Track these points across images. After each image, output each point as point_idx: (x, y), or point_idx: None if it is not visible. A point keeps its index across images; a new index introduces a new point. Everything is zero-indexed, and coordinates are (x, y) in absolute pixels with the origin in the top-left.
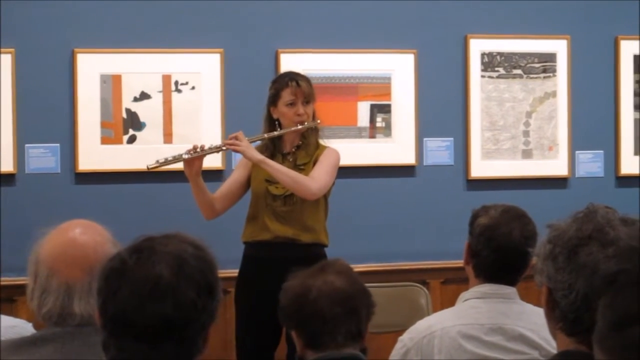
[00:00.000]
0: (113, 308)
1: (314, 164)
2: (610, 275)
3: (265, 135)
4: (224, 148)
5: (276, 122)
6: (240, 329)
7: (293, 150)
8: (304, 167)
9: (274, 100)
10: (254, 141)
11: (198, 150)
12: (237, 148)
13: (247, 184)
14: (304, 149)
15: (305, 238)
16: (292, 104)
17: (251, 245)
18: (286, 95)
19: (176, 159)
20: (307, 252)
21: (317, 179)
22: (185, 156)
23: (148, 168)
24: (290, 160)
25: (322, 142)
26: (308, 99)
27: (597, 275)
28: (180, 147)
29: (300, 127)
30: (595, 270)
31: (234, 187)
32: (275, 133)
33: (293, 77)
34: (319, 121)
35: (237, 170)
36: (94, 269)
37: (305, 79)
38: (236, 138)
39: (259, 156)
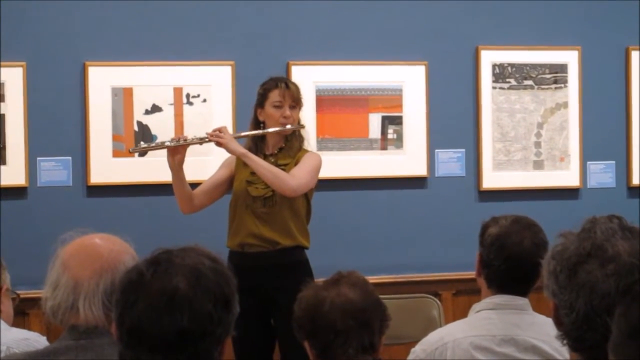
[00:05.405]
0: (130, 320)
1: (296, 165)
2: (625, 285)
3: (250, 133)
4: (207, 140)
5: (261, 125)
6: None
7: (275, 152)
8: (284, 168)
9: (261, 101)
10: (238, 138)
11: (181, 139)
12: (220, 140)
13: (227, 184)
14: (286, 151)
15: (284, 241)
16: (279, 106)
17: (234, 254)
18: (274, 96)
19: (159, 146)
20: (288, 258)
21: (297, 176)
22: (168, 143)
23: (130, 151)
24: (272, 160)
25: (305, 147)
26: (295, 103)
27: (596, 294)
28: (191, 159)
29: (287, 127)
30: (594, 289)
31: (214, 185)
32: (260, 132)
33: (283, 80)
34: (304, 125)
35: (219, 170)
36: (104, 272)
37: (295, 84)
38: (220, 131)
39: (242, 149)
